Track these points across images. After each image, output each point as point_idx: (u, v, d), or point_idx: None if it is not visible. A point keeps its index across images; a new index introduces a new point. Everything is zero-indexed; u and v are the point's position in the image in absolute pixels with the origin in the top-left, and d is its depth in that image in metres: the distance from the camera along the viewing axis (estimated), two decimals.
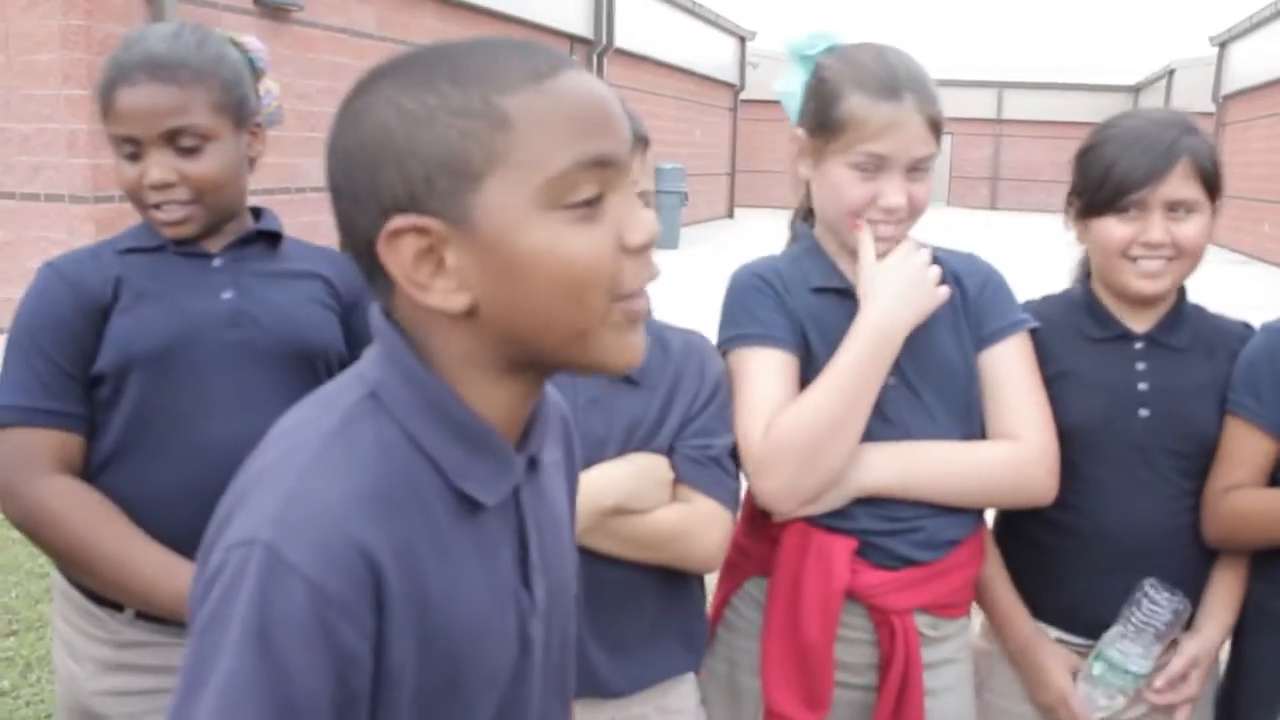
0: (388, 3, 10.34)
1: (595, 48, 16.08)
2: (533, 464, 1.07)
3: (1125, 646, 1.91)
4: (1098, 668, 1.94)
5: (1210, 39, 23.53)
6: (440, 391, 0.97)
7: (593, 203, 0.94)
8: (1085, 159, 2.00)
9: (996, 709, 2.10)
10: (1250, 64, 20.88)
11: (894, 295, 1.81)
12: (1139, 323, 2.01)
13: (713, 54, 22.90)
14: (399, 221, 0.93)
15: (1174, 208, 1.91)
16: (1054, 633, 2.04)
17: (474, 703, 1.00)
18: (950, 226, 21.68)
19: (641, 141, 1.67)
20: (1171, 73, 28.65)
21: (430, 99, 0.92)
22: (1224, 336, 2.03)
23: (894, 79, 1.79)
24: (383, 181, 0.93)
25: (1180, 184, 1.90)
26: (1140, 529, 1.96)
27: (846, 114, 1.80)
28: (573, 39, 15.30)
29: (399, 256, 0.94)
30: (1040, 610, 2.05)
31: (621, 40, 16.70)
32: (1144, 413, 1.96)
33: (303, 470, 0.91)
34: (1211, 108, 23.27)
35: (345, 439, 0.94)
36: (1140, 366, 1.99)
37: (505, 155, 0.92)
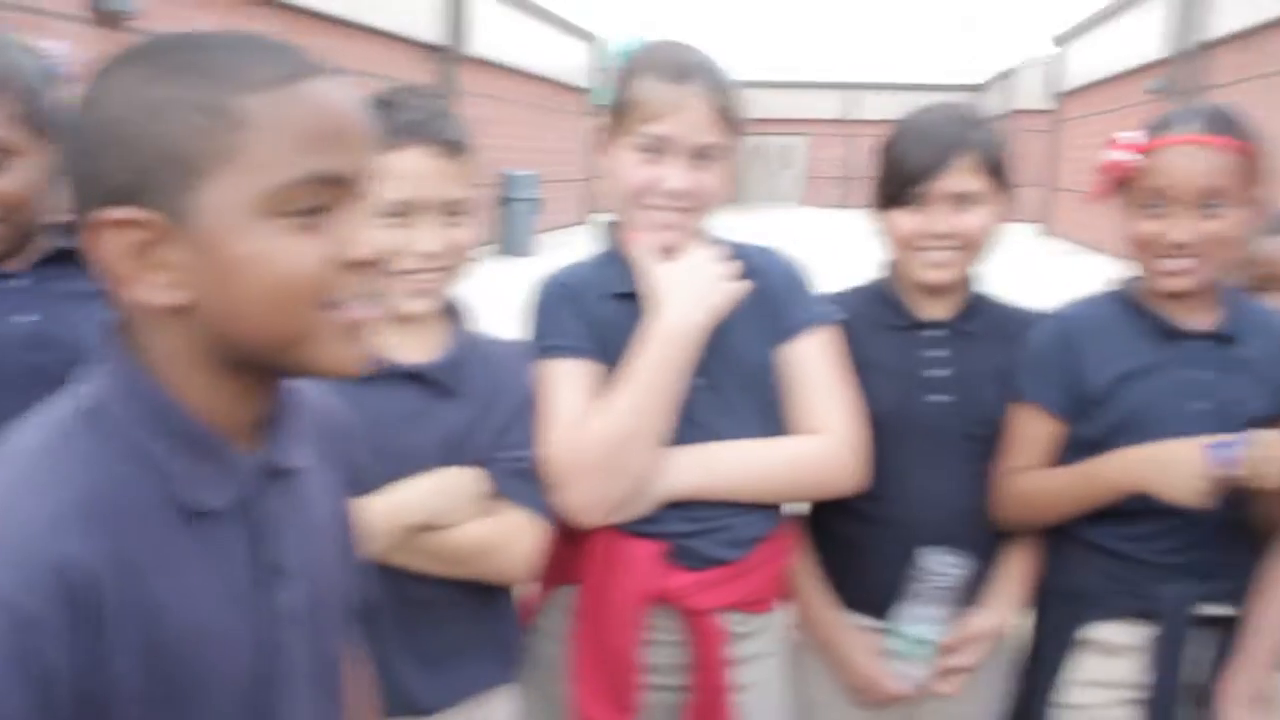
0: (227, 10, 10.07)
1: (449, 55, 15.93)
2: (277, 468, 1.04)
3: (916, 616, 1.95)
4: (895, 644, 1.98)
5: (1053, 39, 24.39)
6: (159, 399, 0.96)
7: (316, 212, 0.93)
8: (881, 153, 2.05)
9: (813, 699, 2.13)
10: (1087, 63, 21.69)
11: (684, 297, 1.80)
12: (935, 311, 2.06)
13: (565, 59, 22.89)
14: (115, 212, 0.91)
15: (958, 199, 1.95)
16: (864, 621, 2.07)
17: (207, 708, 0.97)
18: (804, 226, 22.08)
19: (457, 147, 1.67)
20: (1014, 72, 29.58)
21: (168, 89, 0.90)
22: (1016, 323, 2.08)
23: (683, 64, 1.80)
24: (107, 168, 0.91)
25: (963, 176, 1.95)
26: (939, 514, 2.01)
27: (633, 95, 1.81)
28: (427, 47, 15.12)
29: (110, 246, 0.92)
30: (848, 600, 2.08)
31: (475, 48, 16.58)
32: (939, 398, 2.01)
33: (5, 490, 0.89)
34: (1051, 105, 24.10)
35: (54, 455, 0.92)
36: (935, 354, 2.03)
37: (233, 156, 0.90)
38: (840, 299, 2.07)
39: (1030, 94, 26.91)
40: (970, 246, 1.99)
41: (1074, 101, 22.83)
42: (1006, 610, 2.07)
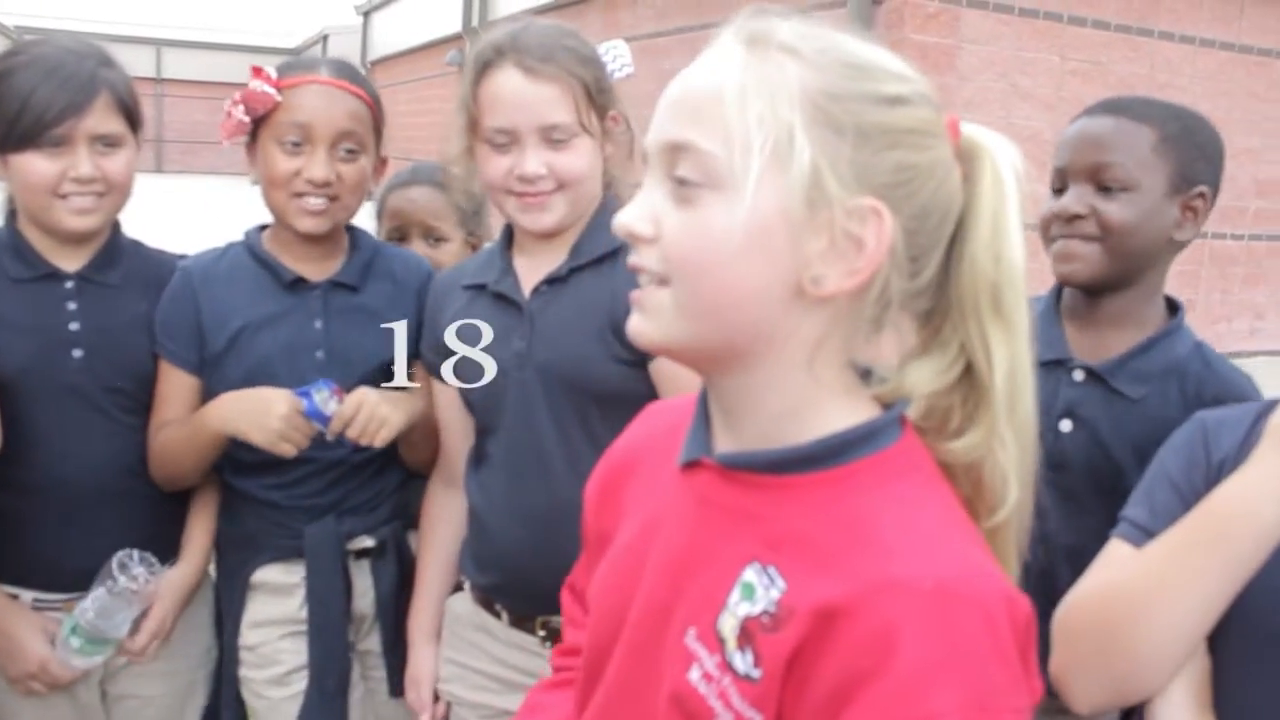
0: None
1: None
2: None
3: (104, 613, 1.88)
4: (76, 642, 1.89)
5: (356, 8, 24.81)
6: None
7: None
8: None
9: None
10: (392, 34, 22.38)
11: None
12: (69, 261, 1.97)
13: None
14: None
15: (100, 141, 1.90)
16: (28, 594, 1.97)
17: None
18: None
19: None
20: (326, 38, 29.78)
21: None
22: (159, 270, 2.05)
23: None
24: None
25: (104, 117, 1.89)
26: (93, 472, 1.95)
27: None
28: None
29: None
30: (8, 574, 1.96)
31: None
32: (78, 353, 1.93)
33: None
34: (362, 72, 24.62)
35: None
36: (71, 306, 1.95)
37: None
38: None
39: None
40: (115, 191, 1.93)
41: (382, 70, 23.47)
42: (194, 561, 2.08)
